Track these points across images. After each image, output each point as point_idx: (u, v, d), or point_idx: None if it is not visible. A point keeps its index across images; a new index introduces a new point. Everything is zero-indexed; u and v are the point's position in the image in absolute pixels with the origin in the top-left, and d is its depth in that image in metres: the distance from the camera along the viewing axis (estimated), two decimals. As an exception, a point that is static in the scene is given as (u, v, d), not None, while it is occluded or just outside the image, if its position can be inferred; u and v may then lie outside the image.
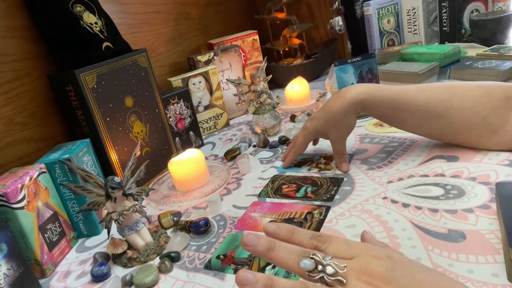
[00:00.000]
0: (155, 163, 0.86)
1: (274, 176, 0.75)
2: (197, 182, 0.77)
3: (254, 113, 0.93)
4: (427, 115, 0.63)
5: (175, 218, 0.67)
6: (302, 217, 0.60)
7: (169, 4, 1.13)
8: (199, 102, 1.04)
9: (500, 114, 0.60)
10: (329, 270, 0.32)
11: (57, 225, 0.64)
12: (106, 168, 0.75)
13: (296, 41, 1.38)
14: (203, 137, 1.02)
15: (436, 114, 0.62)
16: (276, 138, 0.91)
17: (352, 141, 0.81)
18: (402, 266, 0.33)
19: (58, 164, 0.65)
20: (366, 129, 0.85)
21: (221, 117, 1.08)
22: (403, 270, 0.32)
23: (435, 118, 0.63)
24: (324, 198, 0.64)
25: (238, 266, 0.53)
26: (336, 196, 0.63)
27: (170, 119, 0.94)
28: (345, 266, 0.32)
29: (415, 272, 0.33)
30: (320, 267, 0.32)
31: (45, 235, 0.61)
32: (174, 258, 0.57)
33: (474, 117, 0.61)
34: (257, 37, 1.25)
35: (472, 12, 1.21)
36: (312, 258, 0.33)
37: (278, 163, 0.80)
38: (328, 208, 0.60)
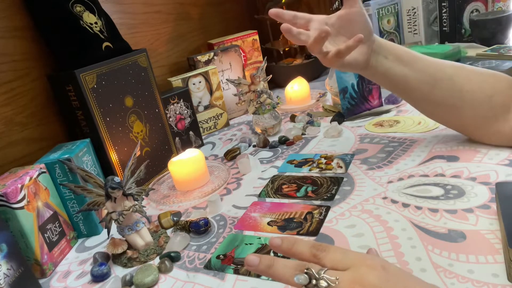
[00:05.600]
0: (155, 163, 0.86)
1: (274, 176, 0.75)
2: (197, 182, 0.77)
3: (254, 113, 0.93)
4: (438, 76, 0.63)
5: (175, 218, 0.67)
6: (302, 217, 0.60)
7: (169, 4, 1.13)
8: (199, 102, 1.04)
9: (503, 98, 0.61)
10: (322, 283, 0.33)
11: (57, 225, 0.64)
12: (106, 168, 0.75)
13: (296, 41, 1.38)
14: (203, 137, 1.02)
15: (447, 76, 0.62)
16: (276, 138, 0.91)
17: (352, 141, 0.81)
18: (395, 277, 0.33)
19: (58, 164, 0.65)
20: (366, 129, 0.85)
21: (221, 117, 1.08)
22: (396, 281, 0.33)
23: (446, 80, 0.62)
24: (325, 197, 0.64)
25: (238, 266, 0.53)
26: (336, 196, 0.63)
27: (170, 119, 0.94)
28: (337, 279, 0.33)
29: (409, 283, 0.33)
30: (314, 281, 0.33)
31: (45, 235, 0.61)
32: (174, 258, 0.57)
33: (480, 94, 0.62)
34: (257, 37, 1.25)
35: (472, 12, 1.21)
36: (306, 272, 0.34)
37: (279, 163, 0.80)
38: (328, 208, 0.60)
